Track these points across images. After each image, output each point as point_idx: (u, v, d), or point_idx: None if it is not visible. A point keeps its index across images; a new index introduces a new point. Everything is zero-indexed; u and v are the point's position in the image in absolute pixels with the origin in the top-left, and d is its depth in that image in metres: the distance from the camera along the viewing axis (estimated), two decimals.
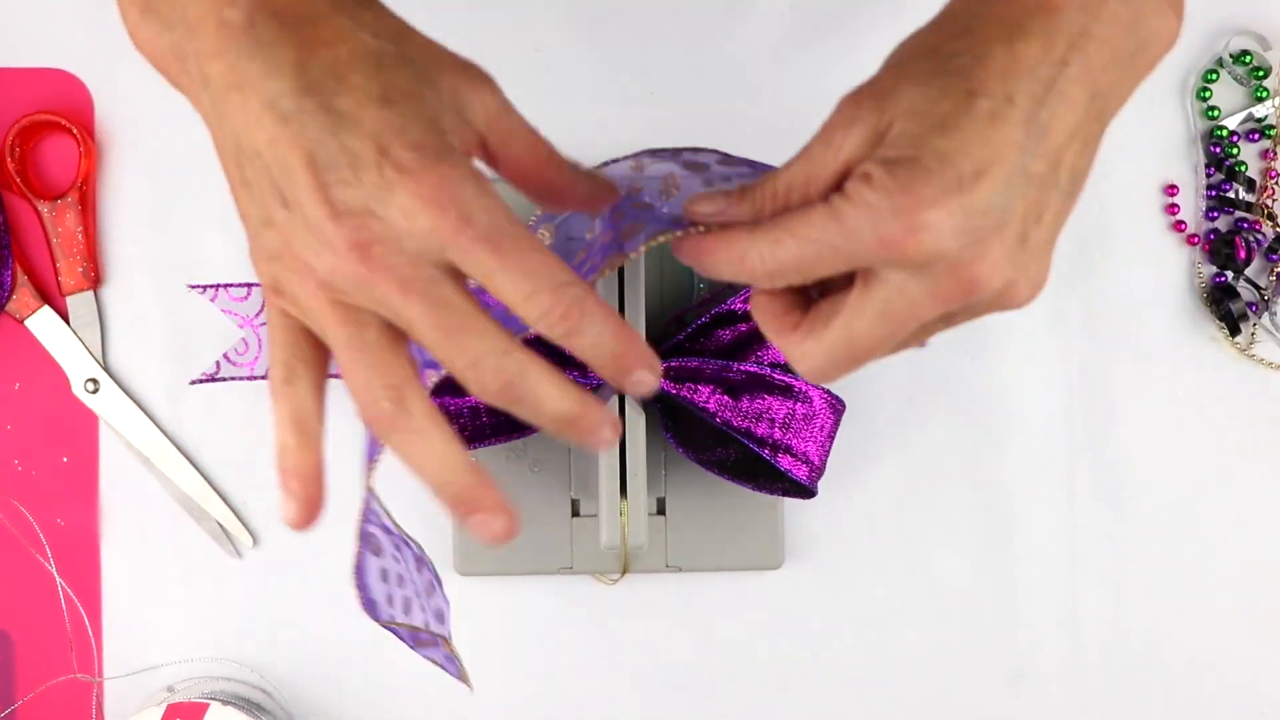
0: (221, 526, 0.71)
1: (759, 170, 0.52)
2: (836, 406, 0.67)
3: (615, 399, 0.63)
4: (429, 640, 0.56)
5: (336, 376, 0.46)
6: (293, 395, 0.47)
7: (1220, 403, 0.73)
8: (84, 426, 0.71)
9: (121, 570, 0.71)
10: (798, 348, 0.48)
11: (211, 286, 0.71)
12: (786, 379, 0.65)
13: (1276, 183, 0.73)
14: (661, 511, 0.70)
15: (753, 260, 0.45)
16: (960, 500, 0.73)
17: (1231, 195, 0.73)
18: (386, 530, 0.55)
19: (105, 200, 0.72)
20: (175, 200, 0.72)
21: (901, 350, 0.48)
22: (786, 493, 0.67)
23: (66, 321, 0.71)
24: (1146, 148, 0.73)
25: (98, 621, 0.71)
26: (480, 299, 0.44)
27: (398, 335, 0.45)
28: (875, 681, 0.72)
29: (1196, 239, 0.73)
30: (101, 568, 0.71)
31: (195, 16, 0.45)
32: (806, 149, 0.46)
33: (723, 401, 0.66)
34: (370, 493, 0.51)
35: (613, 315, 0.44)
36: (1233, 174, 0.73)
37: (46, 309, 0.71)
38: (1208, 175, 0.73)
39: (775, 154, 0.46)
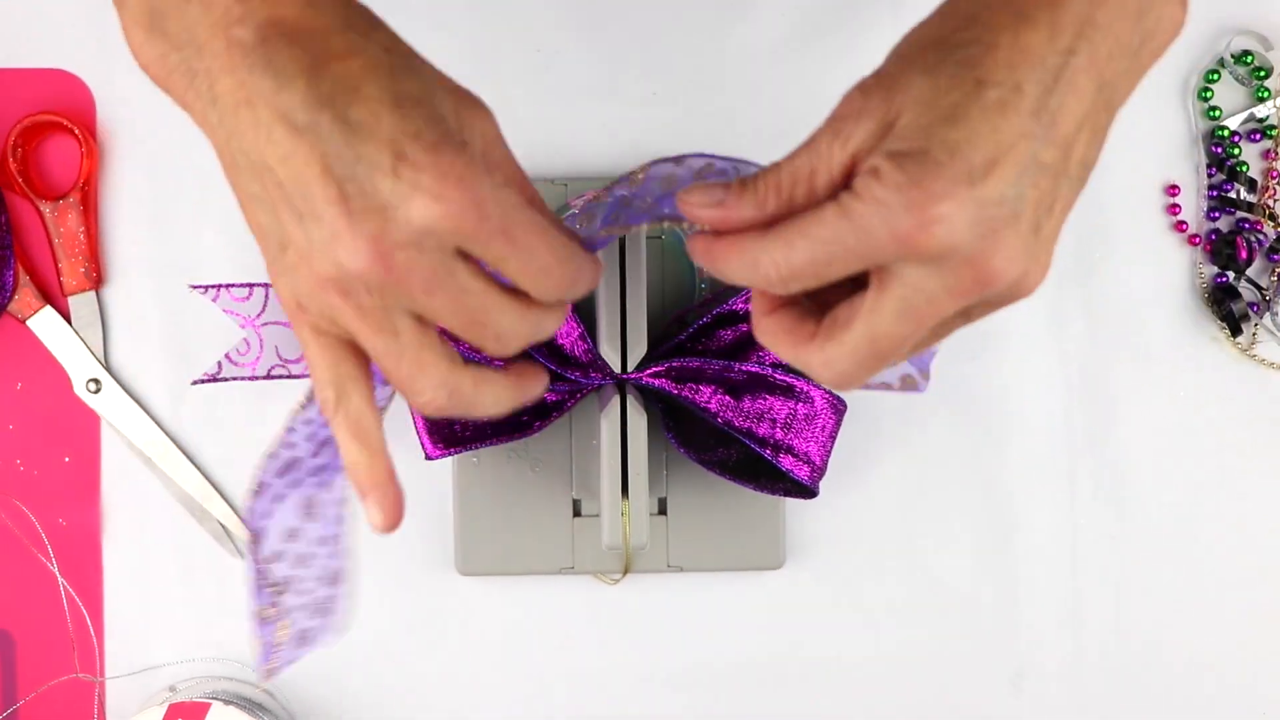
0: (223, 526, 0.71)
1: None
2: (838, 407, 0.67)
3: (618, 404, 0.64)
4: (272, 616, 0.55)
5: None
6: (349, 411, 0.48)
7: (1221, 403, 0.73)
8: (86, 426, 0.71)
9: (123, 570, 0.71)
10: (818, 355, 0.47)
11: (213, 287, 0.71)
12: (788, 379, 0.65)
13: (1278, 183, 0.73)
14: (663, 511, 0.70)
15: (766, 266, 0.45)
16: (961, 500, 0.73)
17: (1233, 195, 0.73)
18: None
19: (107, 200, 0.72)
20: (177, 200, 0.71)
21: (921, 350, 0.47)
22: (788, 493, 0.67)
23: (68, 321, 0.71)
24: (1148, 148, 0.73)
25: (99, 621, 0.71)
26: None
27: (426, 326, 0.46)
28: (876, 681, 0.72)
29: (1198, 239, 0.73)
30: (103, 567, 0.71)
31: (204, 35, 0.45)
32: (812, 140, 0.45)
33: (724, 402, 0.66)
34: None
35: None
36: (1234, 174, 0.73)
37: (48, 309, 0.71)
38: (1209, 175, 0.73)
39: (775, 154, 0.46)
